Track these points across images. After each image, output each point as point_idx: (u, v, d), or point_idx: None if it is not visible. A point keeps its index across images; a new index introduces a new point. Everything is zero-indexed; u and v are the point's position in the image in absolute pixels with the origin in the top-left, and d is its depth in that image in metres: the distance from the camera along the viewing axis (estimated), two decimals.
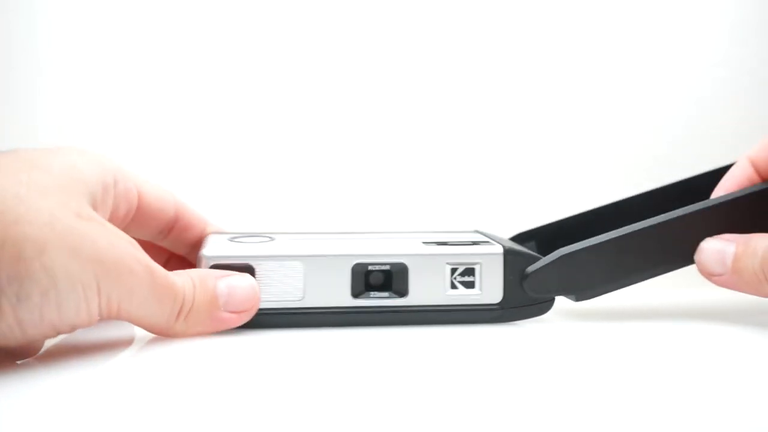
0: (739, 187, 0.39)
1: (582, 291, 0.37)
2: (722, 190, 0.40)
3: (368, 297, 0.35)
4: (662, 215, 0.38)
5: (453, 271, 0.36)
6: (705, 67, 0.61)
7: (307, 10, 0.60)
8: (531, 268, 0.36)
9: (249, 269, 0.34)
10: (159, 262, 0.34)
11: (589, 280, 0.37)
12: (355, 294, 0.35)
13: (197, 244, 0.37)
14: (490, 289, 0.36)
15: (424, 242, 0.37)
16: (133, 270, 0.29)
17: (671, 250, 0.38)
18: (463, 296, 0.36)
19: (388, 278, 0.35)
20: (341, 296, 0.35)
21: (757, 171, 0.39)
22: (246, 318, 0.34)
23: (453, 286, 0.36)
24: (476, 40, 0.61)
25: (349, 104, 0.61)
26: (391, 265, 0.35)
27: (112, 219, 0.33)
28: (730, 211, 0.38)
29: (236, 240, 0.37)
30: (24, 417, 0.23)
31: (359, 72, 0.61)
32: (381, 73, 0.61)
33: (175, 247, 0.38)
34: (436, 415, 0.23)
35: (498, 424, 0.23)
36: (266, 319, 0.35)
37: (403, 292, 0.35)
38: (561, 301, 0.39)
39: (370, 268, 0.35)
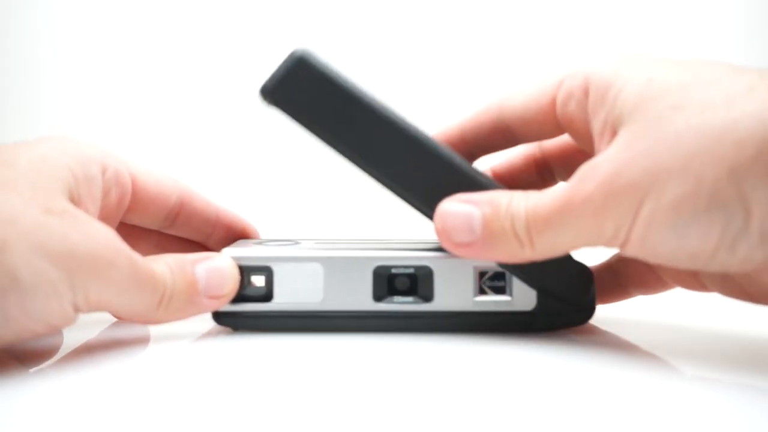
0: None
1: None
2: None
3: (391, 301, 0.34)
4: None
5: (481, 275, 0.34)
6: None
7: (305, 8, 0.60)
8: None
9: (267, 270, 0.33)
10: (146, 246, 0.35)
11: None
12: (377, 298, 0.34)
13: (207, 230, 0.37)
14: (522, 295, 0.33)
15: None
16: (112, 262, 0.28)
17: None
18: (492, 303, 0.33)
19: (413, 282, 0.34)
20: (362, 300, 0.33)
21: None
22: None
23: (481, 291, 0.34)
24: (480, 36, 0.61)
25: None
26: (416, 268, 0.34)
27: (105, 208, 0.32)
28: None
29: (262, 243, 0.36)
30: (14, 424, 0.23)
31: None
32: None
33: (184, 233, 0.37)
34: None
35: None
36: (284, 322, 0.34)
37: (428, 297, 0.34)
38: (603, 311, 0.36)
39: (393, 271, 0.34)
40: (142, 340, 0.34)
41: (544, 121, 0.33)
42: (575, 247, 0.30)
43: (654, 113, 0.28)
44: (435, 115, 0.60)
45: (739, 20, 0.60)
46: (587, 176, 0.28)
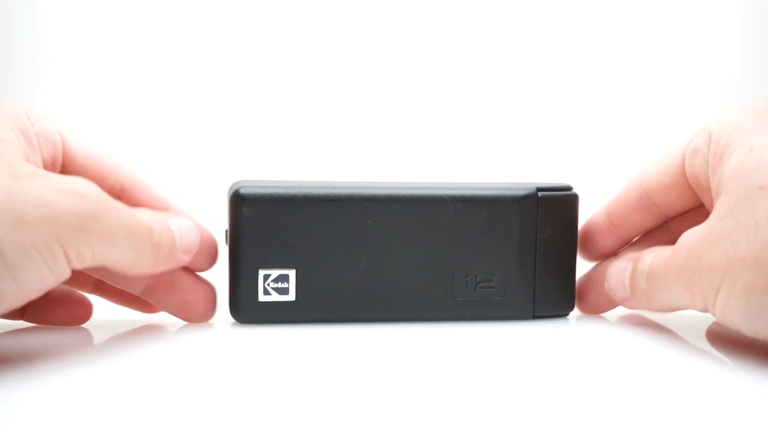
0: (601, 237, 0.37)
1: None
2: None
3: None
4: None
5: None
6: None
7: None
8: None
9: None
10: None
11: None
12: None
13: None
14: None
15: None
16: (97, 215, 0.27)
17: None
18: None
19: None
20: None
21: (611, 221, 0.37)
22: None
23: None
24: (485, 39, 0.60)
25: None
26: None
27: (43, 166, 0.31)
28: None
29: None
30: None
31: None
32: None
33: None
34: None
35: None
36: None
37: None
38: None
39: None
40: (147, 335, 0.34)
41: (682, 184, 0.34)
42: (683, 308, 0.31)
43: (743, 191, 0.28)
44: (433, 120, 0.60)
45: (739, 20, 0.60)
46: (682, 246, 0.30)
